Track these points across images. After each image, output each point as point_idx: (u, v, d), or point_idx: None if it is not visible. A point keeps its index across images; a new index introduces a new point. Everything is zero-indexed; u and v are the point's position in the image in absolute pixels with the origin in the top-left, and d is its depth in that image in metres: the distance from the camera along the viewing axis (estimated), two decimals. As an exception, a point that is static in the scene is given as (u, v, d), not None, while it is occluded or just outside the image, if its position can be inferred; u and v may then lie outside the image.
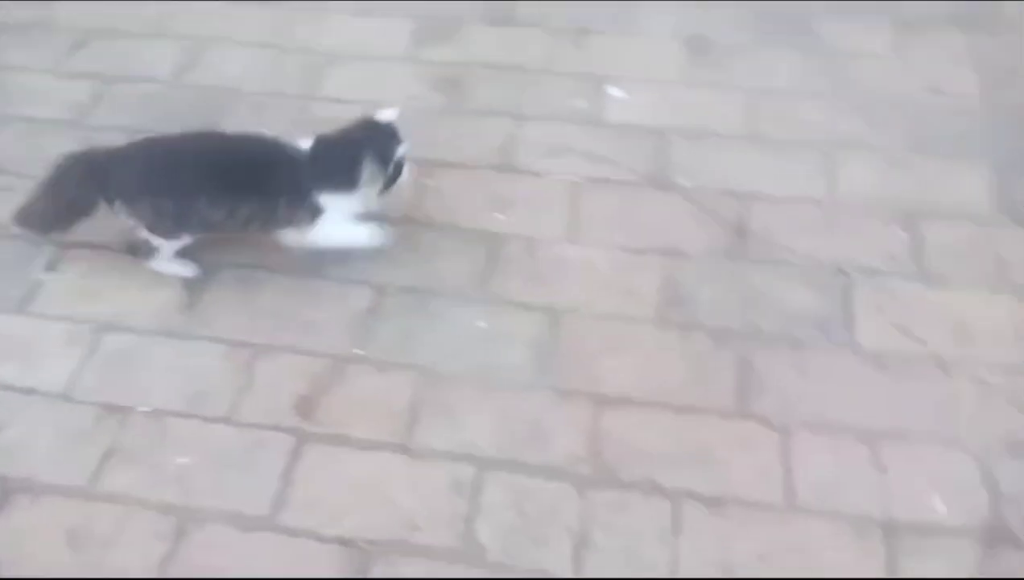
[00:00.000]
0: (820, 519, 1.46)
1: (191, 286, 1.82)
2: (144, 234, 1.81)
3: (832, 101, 2.21)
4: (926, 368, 1.66)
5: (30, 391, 1.64)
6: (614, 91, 2.24)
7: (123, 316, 1.77)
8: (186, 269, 1.87)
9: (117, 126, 2.11)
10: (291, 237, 1.85)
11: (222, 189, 1.77)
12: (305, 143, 1.82)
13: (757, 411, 1.61)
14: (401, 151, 1.85)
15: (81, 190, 1.82)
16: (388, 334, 1.73)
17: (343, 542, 1.42)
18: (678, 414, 1.61)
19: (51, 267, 1.87)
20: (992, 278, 1.81)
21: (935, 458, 1.53)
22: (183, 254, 1.85)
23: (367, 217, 1.87)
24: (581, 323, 1.76)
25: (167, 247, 1.85)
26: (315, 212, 1.81)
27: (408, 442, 1.56)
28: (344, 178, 1.80)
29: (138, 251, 1.85)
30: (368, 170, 1.81)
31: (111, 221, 1.80)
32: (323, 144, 1.83)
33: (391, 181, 1.86)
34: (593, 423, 1.59)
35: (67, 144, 1.89)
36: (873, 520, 1.45)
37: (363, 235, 1.87)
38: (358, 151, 1.81)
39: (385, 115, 1.87)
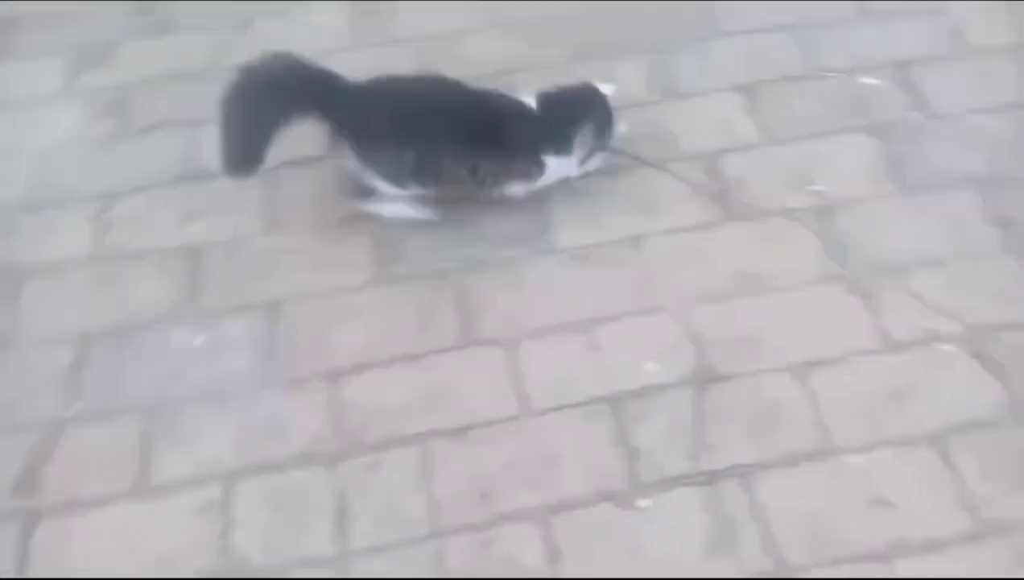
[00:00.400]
0: (555, 415, 1.55)
1: None
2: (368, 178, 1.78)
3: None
4: (620, 251, 1.79)
5: None
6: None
7: None
8: (422, 212, 1.84)
9: None
10: (515, 188, 1.85)
11: (467, 144, 1.76)
12: (530, 100, 1.83)
13: (482, 336, 1.67)
14: (617, 130, 1.88)
15: (293, 100, 1.72)
16: (100, 382, 1.64)
17: (100, 609, 1.36)
18: (411, 363, 1.64)
19: None
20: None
21: (641, 328, 1.66)
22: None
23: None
24: (301, 308, 1.75)
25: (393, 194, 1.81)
26: (543, 169, 1.82)
27: (146, 483, 1.50)
28: (564, 143, 1.82)
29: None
30: (584, 138, 1.83)
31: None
32: (552, 104, 1.83)
33: (591, 155, 1.88)
34: (332, 399, 1.60)
35: None
36: (601, 399, 1.56)
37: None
38: (582, 118, 1.83)
39: (606, 88, 1.88)
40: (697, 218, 1.83)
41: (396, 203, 1.85)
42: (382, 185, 1.81)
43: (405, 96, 1.80)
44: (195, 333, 1.71)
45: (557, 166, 1.88)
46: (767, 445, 1.50)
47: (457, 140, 1.78)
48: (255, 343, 1.69)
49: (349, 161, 1.78)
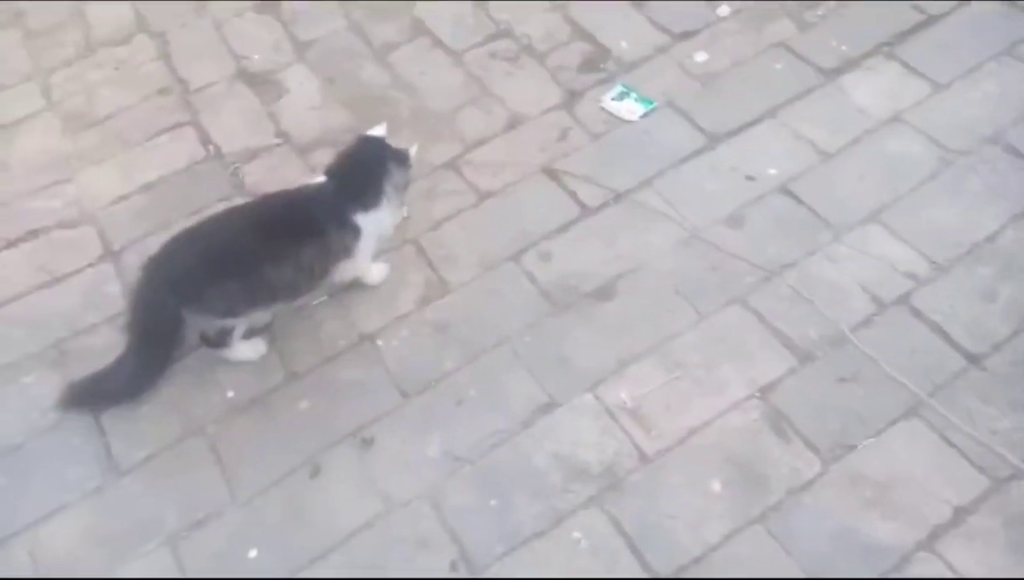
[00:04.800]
0: None
1: None
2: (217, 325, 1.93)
3: None
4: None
5: None
6: None
7: None
8: (259, 348, 2.02)
9: None
10: (349, 271, 2.02)
11: (279, 245, 1.86)
12: (318, 178, 1.98)
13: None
14: (410, 160, 2.02)
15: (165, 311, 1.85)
16: None
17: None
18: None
19: None
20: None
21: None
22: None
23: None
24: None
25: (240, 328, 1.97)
26: (356, 232, 1.94)
27: None
28: (372, 195, 1.94)
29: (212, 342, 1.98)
30: (393, 176, 1.96)
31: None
32: (342, 168, 1.97)
33: (404, 193, 2.04)
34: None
35: None
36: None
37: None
38: (379, 167, 1.96)
39: (376, 132, 2.03)
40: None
41: (240, 346, 1.99)
42: (225, 325, 1.93)
43: (205, 239, 1.89)
44: None
45: (373, 222, 1.96)
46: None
47: (269, 248, 1.85)
48: None
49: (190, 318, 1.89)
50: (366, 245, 2.00)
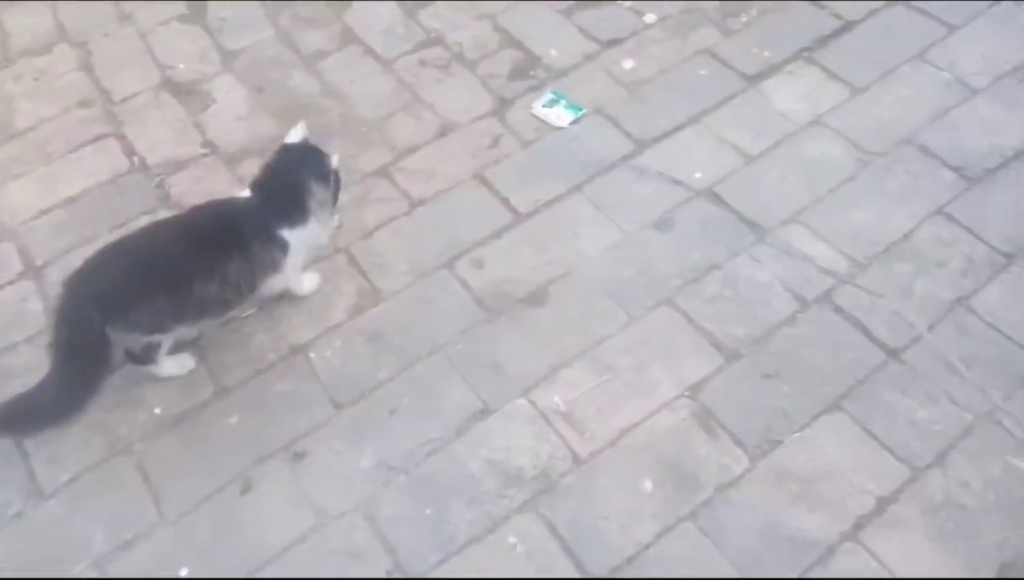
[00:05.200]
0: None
1: None
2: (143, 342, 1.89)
3: None
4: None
5: None
6: None
7: None
8: (186, 363, 1.99)
9: None
10: (278, 284, 2.00)
11: (204, 260, 1.82)
12: (244, 193, 1.94)
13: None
14: (334, 163, 1.98)
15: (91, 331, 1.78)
16: None
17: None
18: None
19: None
20: None
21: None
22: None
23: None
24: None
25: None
26: (284, 247, 1.91)
27: None
28: (298, 212, 1.91)
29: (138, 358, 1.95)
30: (316, 193, 1.92)
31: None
32: (266, 184, 1.93)
33: (333, 204, 2.00)
34: None
35: None
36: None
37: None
38: (299, 185, 1.91)
39: (295, 135, 1.98)
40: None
41: (166, 362, 1.96)
42: (151, 341, 1.90)
43: (131, 253, 1.85)
44: None
45: (301, 238, 1.95)
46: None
47: (196, 262, 1.83)
48: None
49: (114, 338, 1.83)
50: (295, 259, 1.98)
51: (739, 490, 1.80)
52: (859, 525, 1.75)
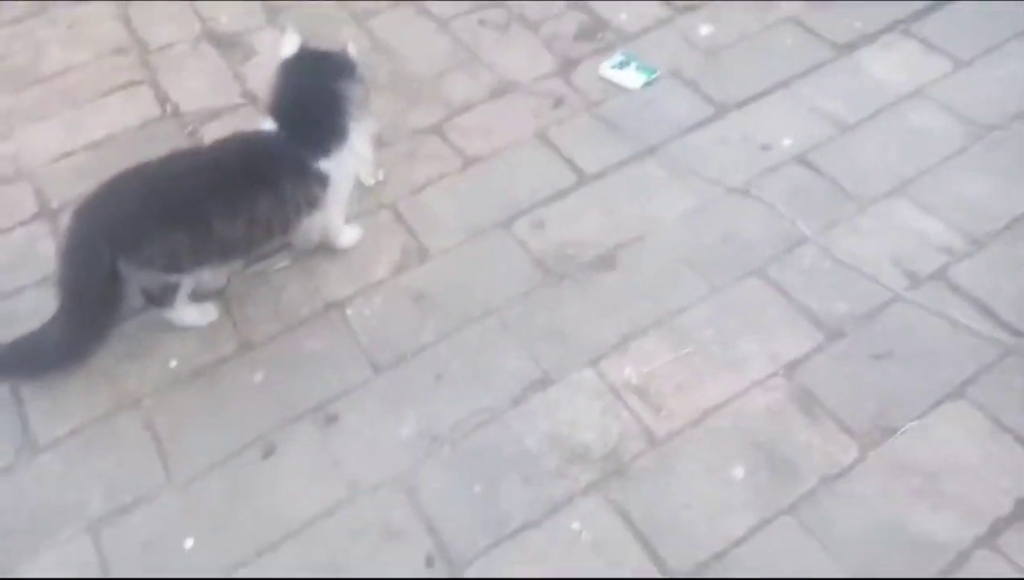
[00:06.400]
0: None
1: None
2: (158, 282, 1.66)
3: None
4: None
5: None
6: None
7: None
8: (208, 313, 1.76)
9: None
10: (318, 224, 1.75)
11: (228, 198, 1.60)
12: (266, 124, 1.68)
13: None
14: (357, 65, 1.71)
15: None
16: None
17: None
18: None
19: None
20: None
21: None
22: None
23: None
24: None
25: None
26: (323, 181, 1.65)
27: None
28: (331, 129, 1.65)
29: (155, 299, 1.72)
30: (354, 95, 1.66)
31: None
32: (285, 105, 1.66)
33: (367, 115, 1.72)
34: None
35: None
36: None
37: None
38: (326, 87, 1.66)
39: (289, 45, 1.72)
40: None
41: (186, 309, 1.73)
42: (168, 281, 1.67)
43: (146, 182, 1.62)
44: None
45: (343, 163, 1.69)
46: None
47: (216, 199, 1.60)
48: None
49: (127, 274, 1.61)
50: (339, 194, 1.75)
51: (848, 482, 1.52)
52: (996, 529, 1.45)
